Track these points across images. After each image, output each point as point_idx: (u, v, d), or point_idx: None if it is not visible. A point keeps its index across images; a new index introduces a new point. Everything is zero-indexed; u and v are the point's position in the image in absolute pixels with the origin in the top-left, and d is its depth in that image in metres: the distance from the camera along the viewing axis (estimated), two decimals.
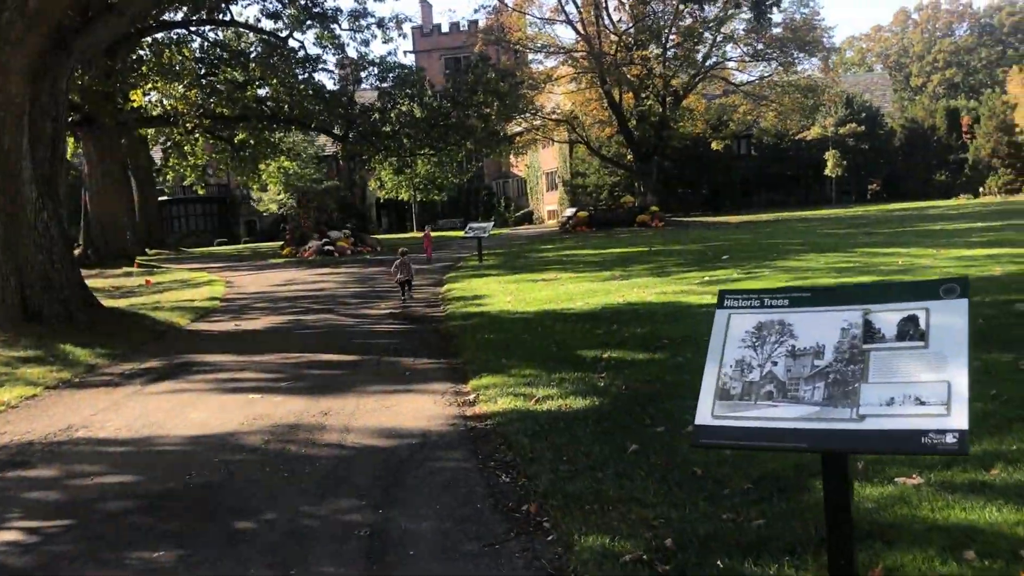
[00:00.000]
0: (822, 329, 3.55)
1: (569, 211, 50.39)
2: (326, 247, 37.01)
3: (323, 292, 21.11)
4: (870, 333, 3.44)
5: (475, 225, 27.00)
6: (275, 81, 38.36)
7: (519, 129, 49.59)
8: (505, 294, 17.11)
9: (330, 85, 41.90)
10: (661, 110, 49.58)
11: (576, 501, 5.32)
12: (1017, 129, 63.42)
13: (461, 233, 59.02)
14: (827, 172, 60.17)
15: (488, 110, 38.10)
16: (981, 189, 61.76)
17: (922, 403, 3.18)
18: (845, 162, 60.43)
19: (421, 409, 8.10)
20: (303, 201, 40.29)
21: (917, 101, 74.67)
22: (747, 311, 3.79)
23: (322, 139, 67.69)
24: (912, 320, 3.36)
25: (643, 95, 50.22)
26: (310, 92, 38.39)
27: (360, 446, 7.01)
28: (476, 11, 68.23)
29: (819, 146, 64.59)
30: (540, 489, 5.60)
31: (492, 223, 28.42)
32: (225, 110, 39.75)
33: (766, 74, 51.09)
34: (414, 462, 6.49)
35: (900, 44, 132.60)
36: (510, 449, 6.56)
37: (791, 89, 48.29)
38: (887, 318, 3.44)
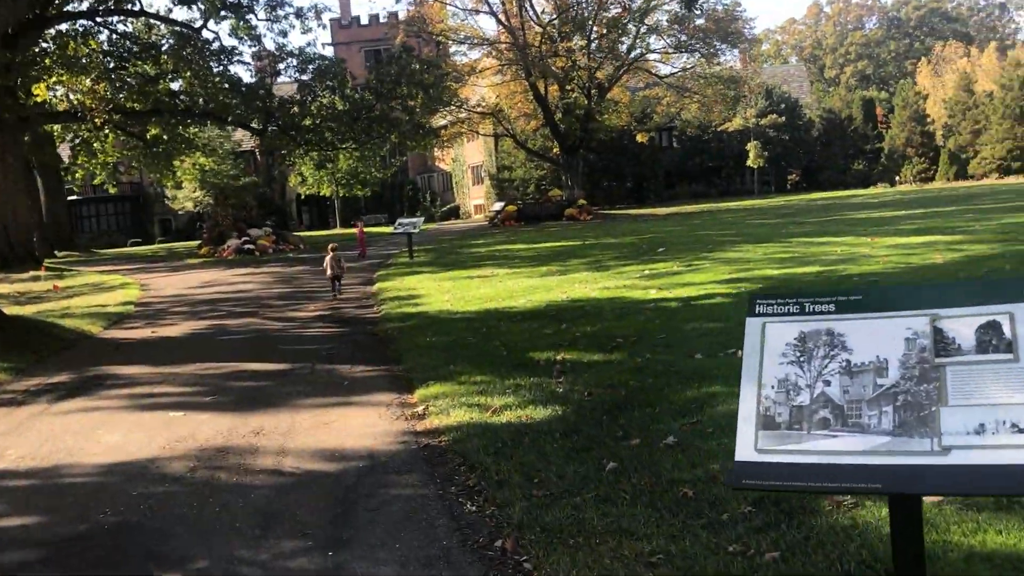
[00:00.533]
0: (881, 340, 2.91)
1: (497, 205, 49.75)
2: (246, 246, 35.63)
3: (246, 294, 20.02)
4: (943, 344, 2.82)
5: (404, 220, 26.10)
6: (188, 74, 36.73)
7: (444, 122, 48.68)
8: (442, 292, 16.35)
9: (247, 78, 40.46)
10: (587, 102, 49.27)
11: (557, 534, 4.63)
12: (929, 119, 65.12)
13: (387, 229, 58.18)
14: (749, 163, 60.83)
15: (413, 102, 37.15)
16: (897, 178, 63.21)
17: (1022, 431, 2.58)
18: (766, 153, 61.14)
19: (365, 425, 7.31)
20: (221, 198, 38.80)
21: (834, 92, 76.15)
22: (785, 319, 3.11)
23: (239, 134, 65.68)
24: (993, 327, 2.76)
25: (568, 87, 49.83)
26: (226, 85, 36.89)
27: (300, 472, 6.20)
28: (397, 1, 66.81)
29: (740, 137, 65.33)
30: (514, 520, 4.89)
31: (422, 218, 27.55)
32: (136, 104, 37.93)
33: (688, 66, 51.19)
34: (364, 489, 5.71)
35: (814, 37, 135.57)
36: (472, 471, 5.83)
37: (714, 80, 48.45)
38: (961, 325, 2.82)
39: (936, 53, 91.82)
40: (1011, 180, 56.29)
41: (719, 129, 61.86)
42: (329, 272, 17.83)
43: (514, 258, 23.22)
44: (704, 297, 12.31)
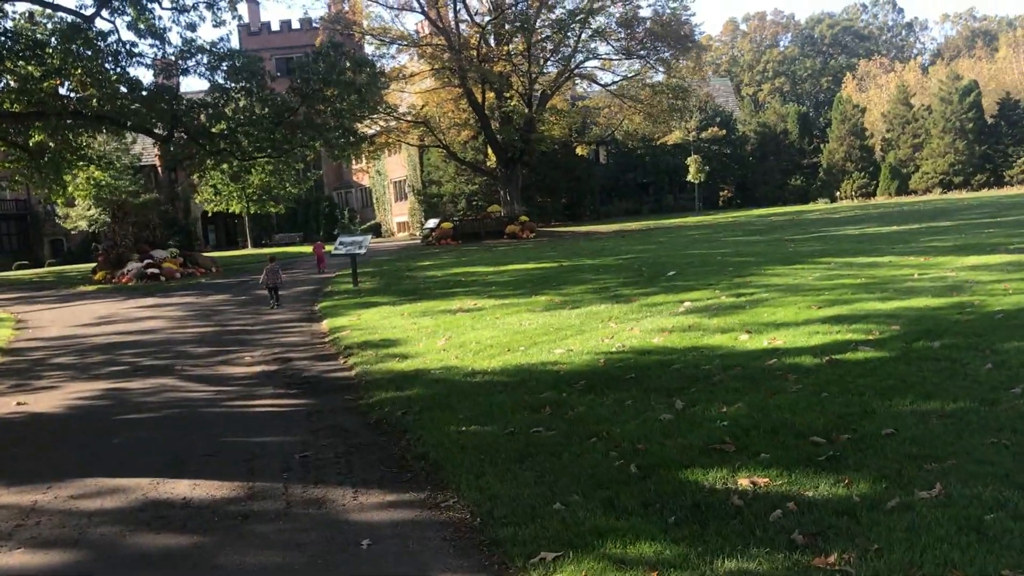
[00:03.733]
0: None
1: (431, 222, 45.54)
2: (149, 270, 30.59)
3: (154, 335, 15.43)
4: None
5: (347, 239, 21.69)
6: (79, 71, 31.53)
7: (373, 131, 44.27)
8: (427, 336, 12.19)
9: (149, 78, 35.52)
10: (527, 111, 45.59)
11: None
12: (867, 133, 63.74)
13: (301, 250, 53.35)
14: (689, 178, 58.12)
15: (342, 105, 32.72)
16: (837, 193, 61.50)
17: None
18: (707, 168, 58.56)
19: None
20: (119, 214, 33.51)
21: (769, 106, 74.42)
22: None
23: (139, 147, 60.00)
24: None
25: (507, 94, 46.10)
26: (123, 89, 31.84)
27: None
28: None
29: (674, 152, 62.75)
30: None
31: (369, 236, 23.21)
32: (16, 106, 32.57)
33: (631, 74, 47.99)
34: None
35: (730, 54, 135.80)
36: None
37: (662, 89, 45.35)
38: None
39: (861, 69, 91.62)
40: (954, 195, 54.98)
41: (658, 143, 59.00)
42: (269, 282, 19.04)
43: (488, 284, 19.13)
44: (837, 347, 8.52)
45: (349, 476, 6.14)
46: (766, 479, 5.03)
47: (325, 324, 15.31)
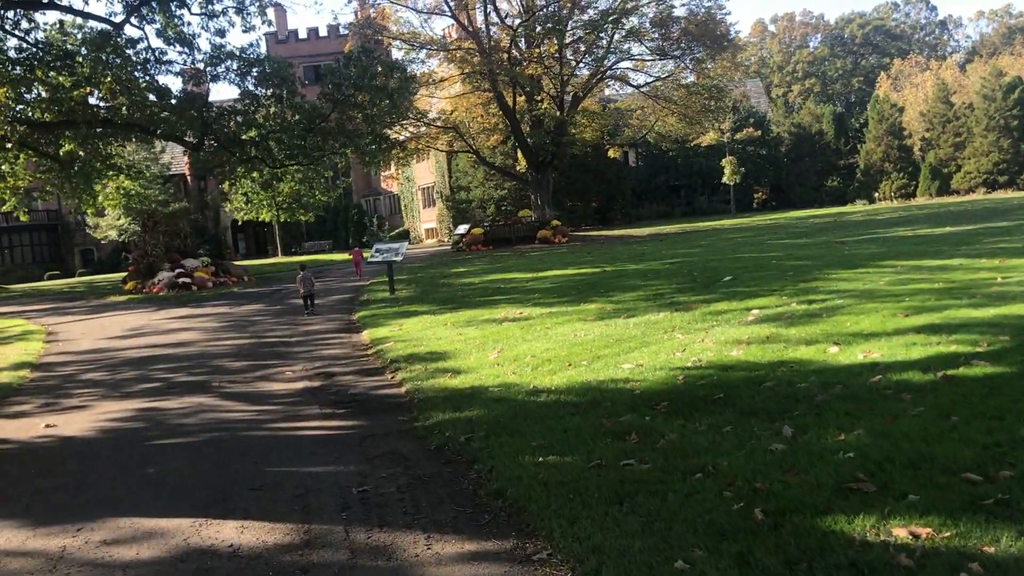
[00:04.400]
0: None
1: (462, 228, 44.83)
2: (181, 279, 30.13)
3: (188, 348, 14.77)
4: None
5: (383, 246, 20.97)
6: (108, 79, 31.11)
7: (404, 136, 43.63)
8: (477, 348, 11.41)
9: (178, 85, 35.08)
10: (558, 114, 44.78)
11: None
12: (906, 132, 62.35)
13: (333, 257, 52.83)
14: (725, 179, 57.01)
15: (374, 111, 32.07)
16: (876, 194, 60.12)
17: None
18: (743, 169, 57.41)
19: None
20: (150, 223, 33.08)
21: (804, 106, 73.11)
22: None
23: (168, 156, 60.02)
24: None
25: (538, 98, 45.33)
26: (152, 97, 31.38)
27: None
28: (348, 2, 61.35)
29: (707, 154, 61.69)
30: None
31: (406, 243, 22.49)
32: (47, 115, 32.25)
33: (664, 75, 47.02)
34: None
35: (759, 55, 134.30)
36: None
37: (698, 90, 44.36)
38: None
39: (895, 68, 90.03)
40: (999, 195, 53.49)
41: (691, 145, 57.95)
42: (302, 290, 19.05)
43: (530, 292, 18.33)
44: (944, 361, 7.63)
45: (417, 517, 5.34)
46: (927, 529, 4.18)
47: (366, 335, 14.57)
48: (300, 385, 10.45)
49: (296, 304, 21.40)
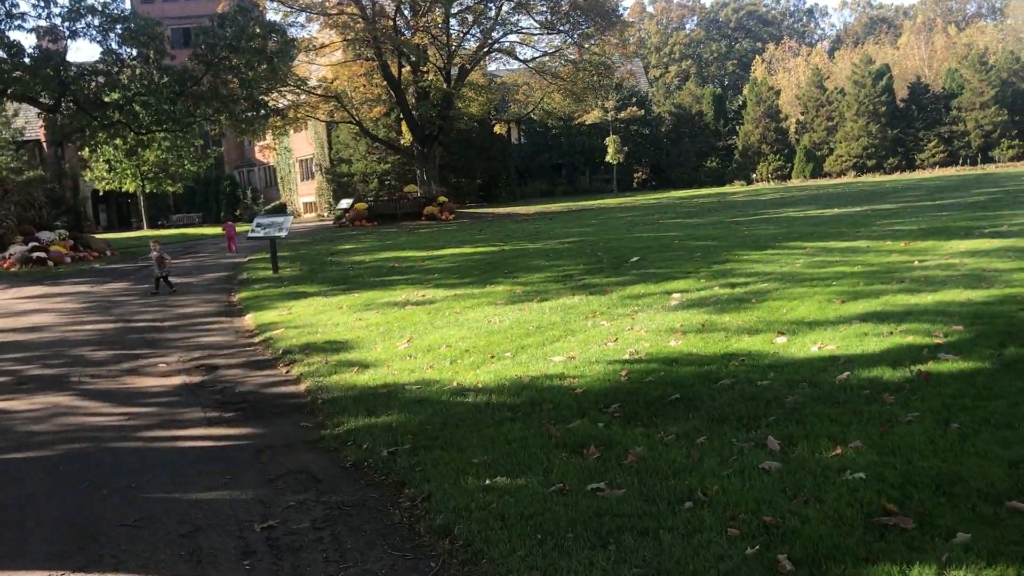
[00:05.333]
0: None
1: (344, 203, 43.07)
2: (35, 253, 27.51)
3: (43, 334, 13.00)
4: None
5: (264, 220, 19.37)
6: None
7: (282, 104, 41.41)
8: (383, 336, 10.25)
9: (32, 41, 32.02)
10: (445, 86, 43.43)
11: None
12: (782, 115, 63.79)
13: (204, 231, 50.02)
14: (608, 159, 56.85)
15: (251, 74, 30.02)
16: (753, 176, 61.31)
17: None
18: (626, 148, 57.46)
19: None
20: (0, 192, 30.13)
21: (686, 87, 73.92)
22: None
23: (21, 120, 55.49)
24: None
25: (423, 68, 43.82)
26: (0, 53, 28.49)
27: None
28: None
29: (590, 133, 61.52)
30: None
31: (290, 217, 20.88)
32: None
33: (552, 50, 46.31)
34: None
35: (637, 35, 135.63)
36: None
37: (586, 66, 43.81)
38: None
39: (769, 52, 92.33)
40: (868, 178, 55.34)
41: (576, 122, 57.53)
42: (157, 270, 17.61)
43: (429, 272, 17.20)
44: (908, 355, 7.01)
45: (344, 566, 4.22)
46: None
47: (250, 319, 13.16)
48: (177, 380, 9.06)
49: (170, 282, 19.62)
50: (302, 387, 8.31)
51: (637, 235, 22.00)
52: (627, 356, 7.92)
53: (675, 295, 11.36)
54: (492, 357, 8.44)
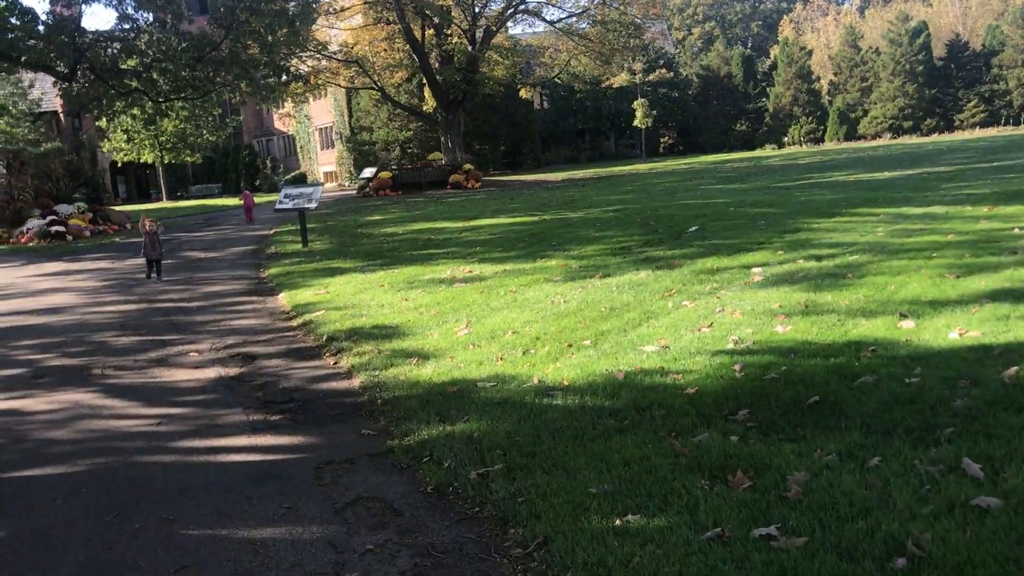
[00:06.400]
0: None
1: (368, 172, 41.92)
2: (53, 227, 26.65)
3: (62, 317, 12.06)
4: None
5: (292, 191, 18.30)
6: None
7: (304, 70, 40.20)
8: (436, 319, 9.20)
9: (46, 7, 30.97)
10: (470, 49, 42.07)
11: None
12: (814, 76, 61.97)
13: (225, 202, 49.02)
14: (636, 123, 55.37)
15: (272, 37, 28.83)
16: (785, 139, 59.65)
17: None
18: (655, 112, 55.90)
19: None
20: (15, 163, 29.22)
21: (714, 48, 71.97)
22: None
23: (37, 91, 54.59)
24: None
25: (447, 31, 42.49)
26: (12, 20, 27.40)
27: None
28: None
29: (616, 97, 59.94)
30: None
31: (320, 187, 19.80)
32: None
33: (578, 10, 44.77)
34: None
35: None
36: None
37: (615, 26, 42.29)
38: None
39: (797, 12, 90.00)
40: (905, 140, 53.62)
41: (603, 86, 55.92)
42: (146, 249, 15.45)
43: (469, 244, 16.12)
44: None
45: None
46: None
47: (284, 299, 12.17)
48: (212, 373, 8.07)
49: (190, 257, 18.68)
50: (355, 382, 7.28)
51: (683, 202, 20.81)
52: (730, 345, 6.84)
53: (755, 269, 10.24)
54: (569, 346, 7.38)
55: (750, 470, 4.35)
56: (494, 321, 8.75)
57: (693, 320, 7.87)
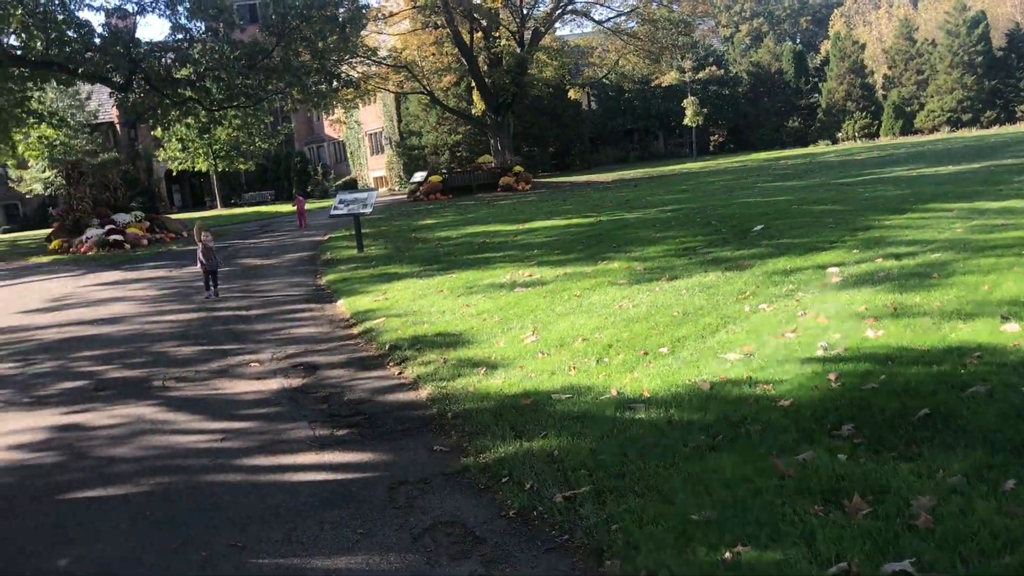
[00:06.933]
0: None
1: (418, 176, 41.86)
2: (111, 236, 26.96)
3: (122, 327, 12.00)
4: None
5: (347, 196, 18.20)
6: (19, 12, 27.44)
7: (354, 76, 40.30)
8: (500, 325, 8.91)
9: (101, 20, 31.38)
10: (519, 51, 41.81)
11: None
12: (868, 70, 60.64)
13: (278, 208, 49.36)
14: (686, 122, 54.69)
15: (323, 44, 28.86)
16: (839, 135, 58.42)
17: None
18: (705, 110, 55.11)
19: None
20: (75, 174, 29.62)
21: (764, 45, 70.85)
22: None
23: (94, 103, 55.63)
24: None
25: (495, 34, 42.29)
26: (70, 33, 27.80)
27: None
28: None
29: (665, 96, 59.24)
30: None
31: (375, 191, 19.68)
32: None
33: (627, 9, 44.26)
34: None
35: None
36: None
37: (665, 24, 41.70)
38: None
39: (848, 5, 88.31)
40: (964, 133, 52.15)
41: (653, 85, 55.27)
42: (202, 264, 14.01)
43: (526, 247, 15.81)
44: None
45: None
46: None
47: (343, 305, 11.97)
48: (274, 384, 7.86)
49: (247, 264, 18.63)
50: (423, 394, 7.00)
51: (742, 200, 20.28)
52: (820, 352, 6.42)
53: (831, 269, 9.76)
54: (645, 354, 7.02)
55: (867, 493, 3.96)
56: (561, 327, 8.42)
57: (774, 325, 7.46)
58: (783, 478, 4.27)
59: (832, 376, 5.77)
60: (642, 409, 5.61)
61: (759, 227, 14.44)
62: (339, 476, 5.33)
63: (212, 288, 14.13)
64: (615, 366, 6.79)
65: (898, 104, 57.37)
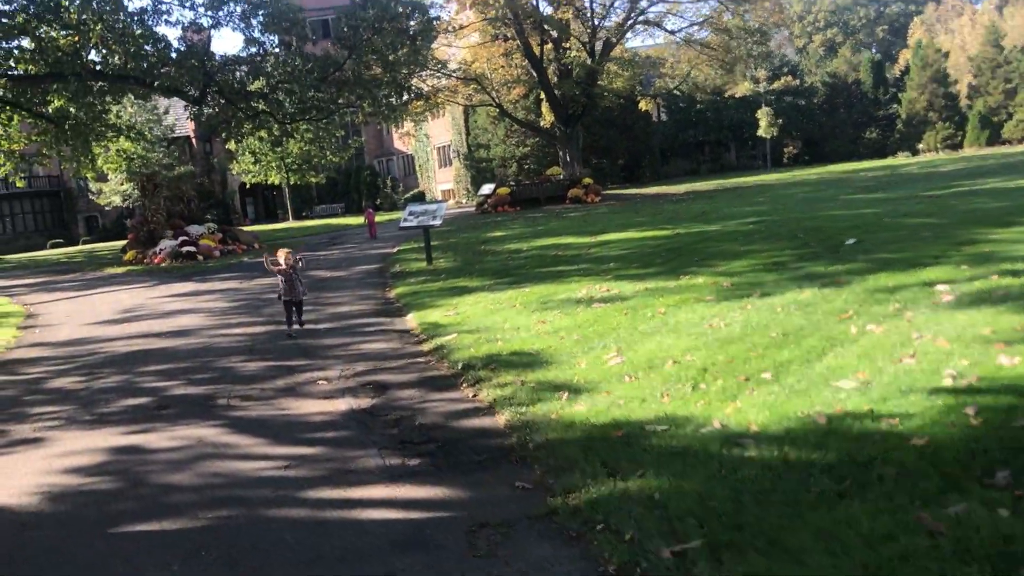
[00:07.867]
0: None
1: (486, 188, 41.50)
2: (184, 248, 27.06)
3: (189, 340, 11.74)
4: None
5: (417, 208, 17.83)
6: (98, 27, 27.86)
7: (424, 89, 40.21)
8: (581, 344, 8.32)
9: (177, 34, 31.83)
10: (589, 62, 41.24)
11: None
12: (952, 80, 58.57)
13: (348, 220, 49.59)
14: (760, 133, 53.41)
15: (394, 56, 28.71)
16: (920, 146, 56.43)
17: None
18: (780, 121, 53.75)
19: None
20: (149, 186, 29.94)
21: (840, 54, 69.08)
22: None
23: (171, 117, 56.76)
24: None
25: (565, 45, 41.80)
26: (147, 48, 28.12)
27: None
28: None
29: (737, 106, 58.00)
30: None
31: (444, 204, 19.33)
32: (32, 67, 29.04)
33: (699, 19, 43.39)
34: None
35: (777, 3, 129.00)
36: None
37: (739, 34, 40.73)
38: None
39: (929, 13, 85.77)
40: None
41: (727, 95, 54.12)
42: (283, 292, 11.45)
43: (600, 261, 15.20)
44: None
45: None
46: None
47: (412, 320, 11.52)
48: (342, 405, 7.40)
49: (316, 276, 18.37)
50: (500, 420, 6.46)
51: (827, 212, 19.35)
52: (948, 381, 5.69)
53: (940, 287, 8.95)
54: (746, 380, 6.37)
55: None
56: (647, 348, 7.80)
57: (888, 349, 6.74)
58: (933, 536, 3.60)
59: (970, 411, 5.06)
60: (752, 445, 4.98)
61: (852, 240, 13.60)
62: (412, 515, 4.81)
63: (296, 320, 11.57)
64: (713, 393, 6.15)
65: (984, 114, 55.22)
